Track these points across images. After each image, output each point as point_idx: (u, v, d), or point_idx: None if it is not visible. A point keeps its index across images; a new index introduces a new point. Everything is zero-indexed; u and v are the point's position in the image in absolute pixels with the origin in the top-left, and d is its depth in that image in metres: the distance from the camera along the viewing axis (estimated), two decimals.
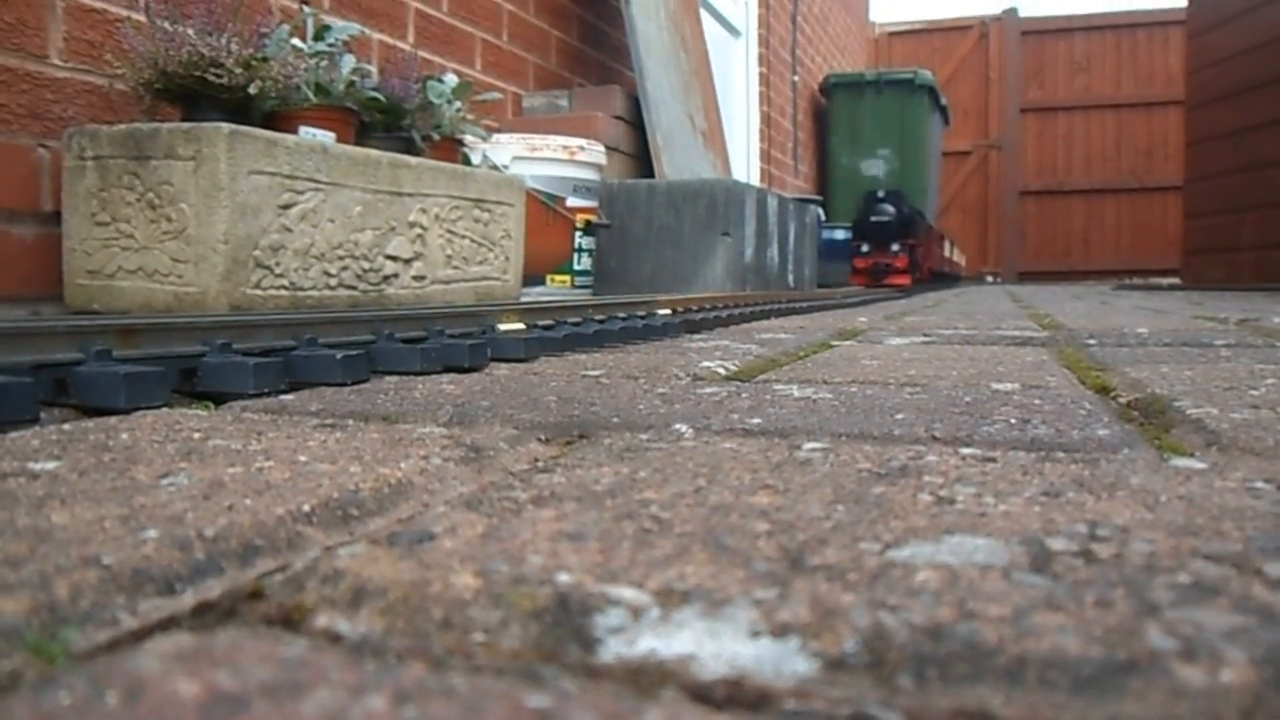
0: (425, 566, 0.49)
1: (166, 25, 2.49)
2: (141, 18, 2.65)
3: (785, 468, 0.75)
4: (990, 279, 15.15)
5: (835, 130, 10.72)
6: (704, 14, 6.81)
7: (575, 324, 2.05)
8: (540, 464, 0.78)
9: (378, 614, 0.45)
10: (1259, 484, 0.68)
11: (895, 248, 7.94)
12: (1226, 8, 8.59)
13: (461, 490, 0.69)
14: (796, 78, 9.85)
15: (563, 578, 0.47)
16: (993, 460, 0.77)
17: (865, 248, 8.03)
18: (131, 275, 2.40)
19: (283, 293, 2.45)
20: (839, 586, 0.46)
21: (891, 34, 16.33)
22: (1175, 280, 9.94)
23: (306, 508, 0.60)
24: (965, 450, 0.82)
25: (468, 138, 3.45)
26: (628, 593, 0.45)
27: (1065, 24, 15.63)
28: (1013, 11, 15.79)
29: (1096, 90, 15.42)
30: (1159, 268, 13.54)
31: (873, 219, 8.10)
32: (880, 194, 8.36)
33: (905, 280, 7.83)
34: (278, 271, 2.43)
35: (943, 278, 11.04)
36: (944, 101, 12.18)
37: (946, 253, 11.45)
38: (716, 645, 0.40)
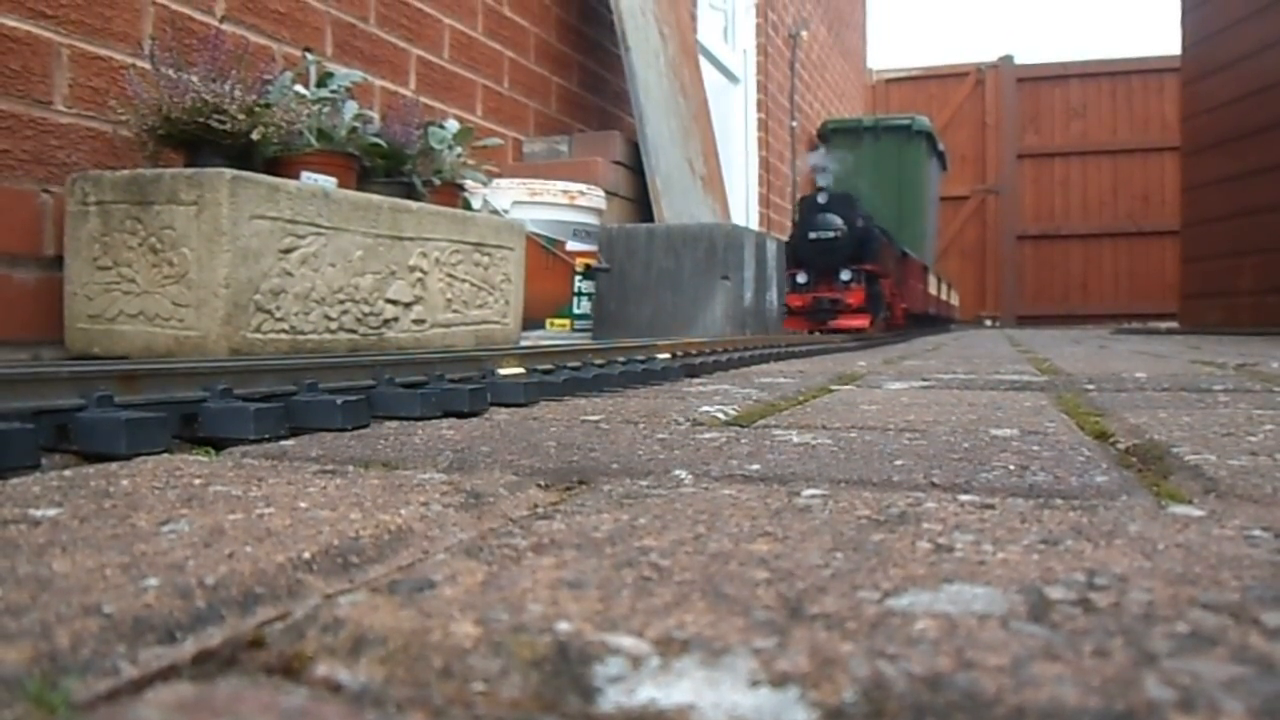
0: (425, 615, 0.49)
1: (171, 72, 2.52)
2: (146, 65, 2.68)
3: (784, 514, 0.75)
4: (989, 322, 15.19)
5: (833, 176, 10.83)
6: (703, 61, 6.88)
7: (575, 368, 2.06)
8: (540, 510, 0.78)
9: (378, 663, 0.45)
10: (1256, 532, 0.68)
11: (846, 277, 5.76)
12: (1220, 56, 8.68)
13: (461, 537, 0.69)
14: (795, 123, 9.93)
15: (562, 626, 0.47)
16: (991, 507, 0.77)
17: (802, 277, 5.82)
18: (132, 319, 2.41)
19: (283, 337, 2.46)
20: (838, 635, 0.46)
21: (889, 81, 16.48)
22: (1173, 324, 9.96)
23: (307, 555, 0.60)
24: (964, 497, 0.83)
25: (468, 182, 3.48)
26: (627, 641, 0.46)
27: (1061, 71, 15.78)
28: (1009, 59, 15.95)
29: (1093, 136, 15.54)
30: (1157, 312, 13.57)
31: (812, 235, 5.82)
32: (823, 199, 5.93)
33: (862, 323, 5.74)
34: (278, 315, 2.44)
35: (930, 321, 9.73)
36: (941, 147, 12.27)
37: (934, 290, 10.04)
38: (716, 695, 0.40)
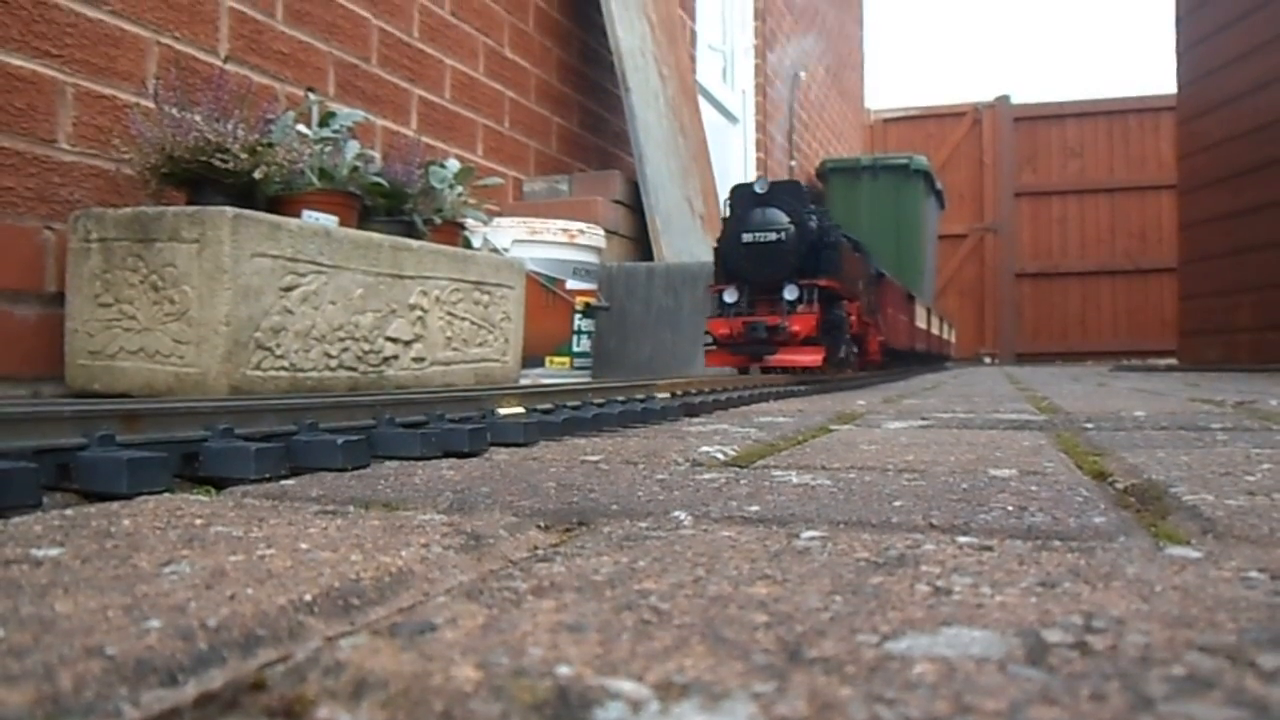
0: (426, 658, 0.50)
1: (174, 111, 2.54)
2: (150, 104, 2.70)
3: (783, 557, 0.75)
4: (988, 360, 15.21)
5: (832, 214, 10.87)
6: (702, 101, 6.94)
7: (574, 408, 2.06)
8: (540, 552, 0.79)
9: (379, 706, 0.45)
10: (1253, 573, 0.68)
11: (791, 295, 4.20)
12: (1216, 95, 8.75)
13: (462, 579, 0.70)
14: (794, 163, 9.99)
15: (563, 670, 0.48)
16: (989, 549, 0.78)
17: (731, 296, 4.28)
18: (133, 356, 2.41)
19: (283, 374, 2.46)
20: (837, 679, 0.46)
21: (887, 120, 16.60)
22: (1172, 361, 9.98)
23: (308, 597, 0.61)
24: (962, 539, 0.83)
25: (469, 221, 3.50)
26: (627, 685, 0.46)
27: (1057, 110, 15.89)
28: (1005, 98, 16.07)
29: (1090, 175, 15.63)
30: (1156, 349, 13.60)
31: (746, 237, 4.30)
32: (761, 187, 4.39)
33: (812, 359, 4.20)
34: (278, 353, 2.45)
35: (920, 359, 8.86)
36: (939, 186, 12.33)
37: (923, 323, 9.04)
38: None
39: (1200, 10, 9.02)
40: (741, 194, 4.49)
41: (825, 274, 4.35)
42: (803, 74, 10.48)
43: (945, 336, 11.60)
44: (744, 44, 8.95)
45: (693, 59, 7.10)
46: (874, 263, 6.49)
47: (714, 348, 4.32)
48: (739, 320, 4.24)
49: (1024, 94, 16.24)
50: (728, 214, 4.45)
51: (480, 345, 3.27)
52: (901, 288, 8.05)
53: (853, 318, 5.00)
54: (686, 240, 5.45)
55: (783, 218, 4.33)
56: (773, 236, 4.30)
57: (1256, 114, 8.08)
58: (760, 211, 4.36)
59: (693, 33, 7.23)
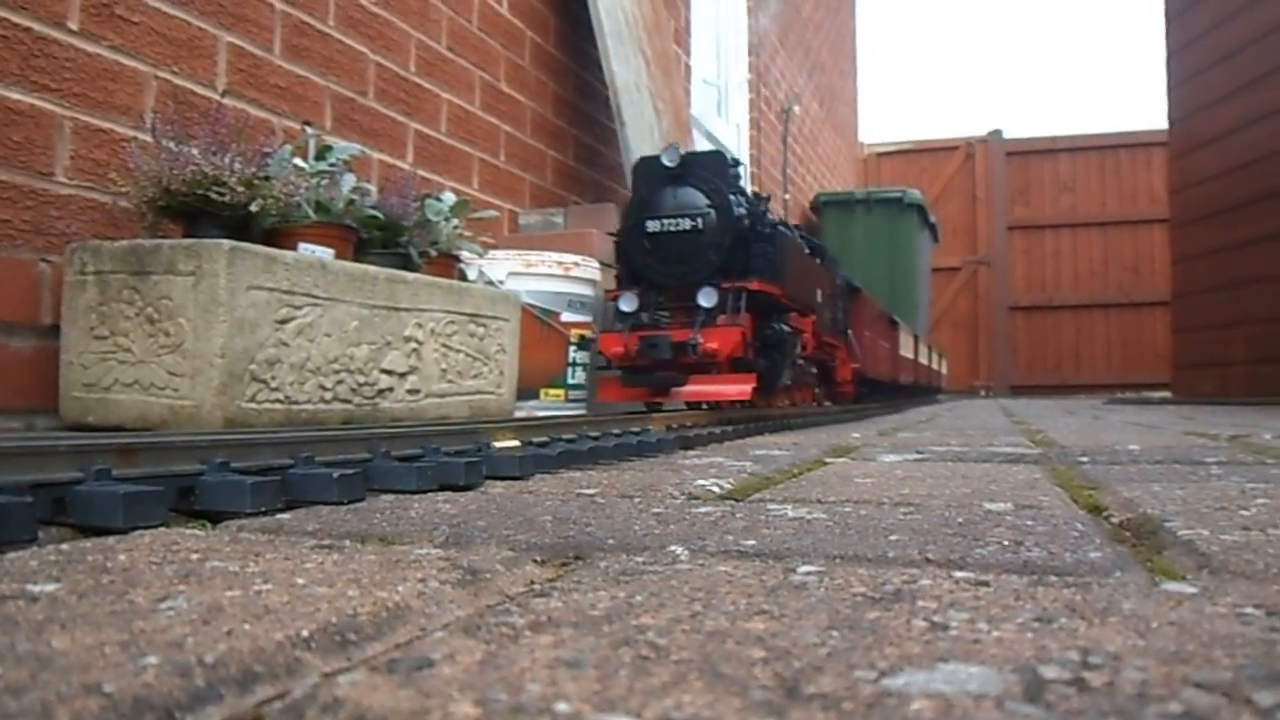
0: (424, 695, 0.50)
1: (172, 145, 2.55)
2: (148, 137, 2.71)
3: (780, 592, 0.75)
4: (982, 392, 15.22)
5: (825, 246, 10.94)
6: (696, 134, 6.98)
7: (570, 440, 2.06)
8: (537, 587, 0.79)
9: None
10: (1249, 609, 0.69)
11: (708, 302, 3.31)
12: (1206, 130, 8.82)
13: (459, 614, 0.70)
14: (788, 196, 10.03)
15: (561, 707, 0.48)
16: (986, 584, 0.78)
17: (629, 303, 3.46)
18: (127, 388, 2.41)
19: (278, 407, 2.46)
20: (834, 716, 0.47)
21: (880, 154, 16.71)
22: (1166, 394, 10.00)
23: (305, 633, 0.60)
24: (959, 573, 0.83)
25: (464, 254, 3.50)
26: None
27: (1049, 145, 16.01)
28: (997, 133, 16.19)
29: (1082, 209, 15.72)
30: (1150, 382, 13.63)
31: (652, 226, 3.46)
32: (671, 159, 3.48)
33: (738, 389, 3.33)
34: (273, 385, 2.45)
35: (907, 392, 8.39)
36: (933, 219, 12.41)
37: (909, 352, 8.47)
38: None
39: (1190, 47, 9.11)
40: (648, 170, 3.51)
41: (759, 274, 3.41)
42: (796, 108, 10.55)
43: (935, 368, 11.46)
44: (738, 78, 9.02)
45: (687, 93, 7.15)
46: (841, 272, 5.46)
47: (605, 373, 3.48)
48: (634, 337, 3.29)
49: (1016, 129, 16.41)
50: (633, 194, 3.58)
51: (475, 378, 3.27)
52: (883, 309, 7.31)
53: (805, 335, 4.04)
54: None
55: (699, 199, 3.39)
56: (686, 224, 3.35)
57: (1247, 149, 8.15)
58: (671, 192, 3.42)
59: (687, 67, 7.28)
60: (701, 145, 7.04)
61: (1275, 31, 7.83)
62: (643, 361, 3.32)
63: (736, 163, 3.63)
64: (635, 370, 3.39)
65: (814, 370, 4.66)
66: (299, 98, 3.48)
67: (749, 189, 3.96)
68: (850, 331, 5.66)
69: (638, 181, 3.58)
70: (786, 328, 3.69)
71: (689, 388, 3.34)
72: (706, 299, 3.29)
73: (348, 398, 2.70)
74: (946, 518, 1.16)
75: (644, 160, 3.61)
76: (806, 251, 4.50)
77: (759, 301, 3.47)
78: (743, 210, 3.52)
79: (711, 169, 3.51)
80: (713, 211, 3.40)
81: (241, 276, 2.37)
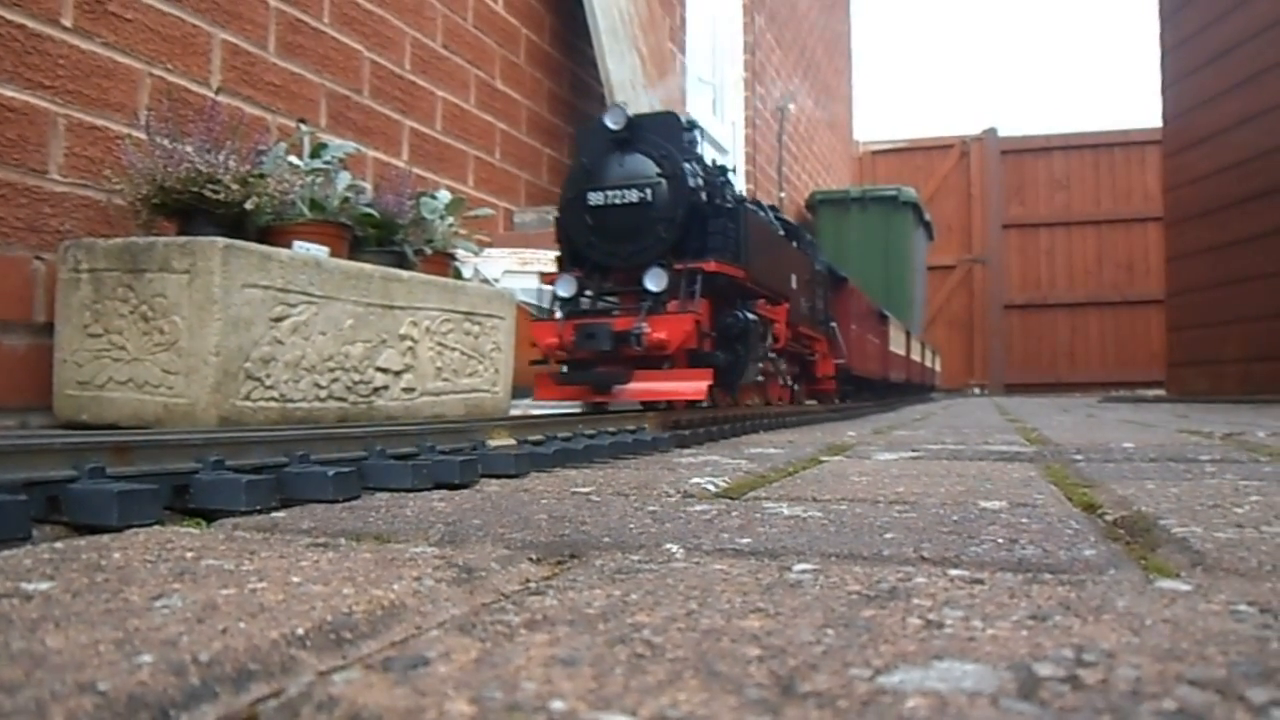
0: (420, 693, 0.50)
1: (166, 142, 2.55)
2: (142, 135, 2.71)
3: (776, 590, 0.75)
4: (977, 391, 15.24)
5: (821, 245, 10.97)
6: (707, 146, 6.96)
7: (565, 439, 2.06)
8: (532, 585, 0.79)
9: None
10: (1242, 606, 0.69)
11: (656, 285, 2.96)
12: (1200, 129, 8.84)
13: (454, 612, 0.70)
14: (783, 194, 10.04)
15: (557, 705, 0.48)
16: (980, 582, 0.78)
17: (567, 287, 3.16)
18: (121, 386, 2.41)
19: (272, 405, 2.46)
20: (830, 714, 0.47)
21: (875, 153, 16.73)
22: (1161, 392, 10.02)
23: (300, 631, 0.60)
24: (953, 571, 0.83)
25: (459, 252, 3.50)
26: None
27: (1044, 143, 16.03)
28: (992, 131, 16.21)
29: (1077, 207, 15.75)
30: (1144, 380, 13.66)
31: (594, 199, 3.10)
32: (616, 121, 3.10)
33: (693, 387, 2.94)
34: (268, 384, 2.45)
35: (897, 389, 8.09)
36: (927, 217, 12.42)
37: (900, 349, 8.23)
38: None
39: (1184, 45, 9.12)
40: (591, 135, 3.14)
41: (718, 255, 3.00)
42: (791, 106, 10.55)
43: (929, 365, 11.37)
44: (733, 77, 9.02)
45: (682, 91, 7.15)
46: (823, 259, 5.11)
47: (540, 368, 3.08)
48: (574, 322, 2.93)
49: (1010, 127, 16.42)
50: (575, 165, 3.16)
51: (471, 376, 3.26)
52: (871, 302, 6.93)
53: (777, 325, 3.68)
54: None
55: (648, 167, 2.99)
56: (633, 196, 2.96)
57: (1241, 148, 8.17)
58: (617, 160, 3.03)
59: (682, 65, 7.28)
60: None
61: (1268, 30, 7.84)
62: (581, 354, 2.92)
63: (692, 125, 3.19)
64: (574, 364, 3.01)
65: (787, 365, 4.23)
66: (294, 95, 3.48)
67: (716, 159, 3.45)
68: (834, 324, 5.30)
69: (582, 147, 3.16)
70: (752, 316, 3.24)
71: (634, 385, 2.89)
72: (654, 282, 2.89)
73: (343, 396, 2.70)
74: (941, 516, 1.17)
75: (587, 124, 3.32)
76: (780, 233, 4.08)
77: (718, 286, 3.05)
78: (698, 179, 3.09)
79: (663, 132, 3.06)
80: (664, 182, 2.98)
81: (236, 274, 2.37)
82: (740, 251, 3.13)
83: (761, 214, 3.75)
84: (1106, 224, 15.52)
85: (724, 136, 8.66)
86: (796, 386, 4.59)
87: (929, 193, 15.37)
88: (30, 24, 2.54)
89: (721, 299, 3.13)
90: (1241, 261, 8.16)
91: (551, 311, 3.08)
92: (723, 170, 3.34)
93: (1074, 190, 15.81)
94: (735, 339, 3.16)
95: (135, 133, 2.78)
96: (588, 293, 3.12)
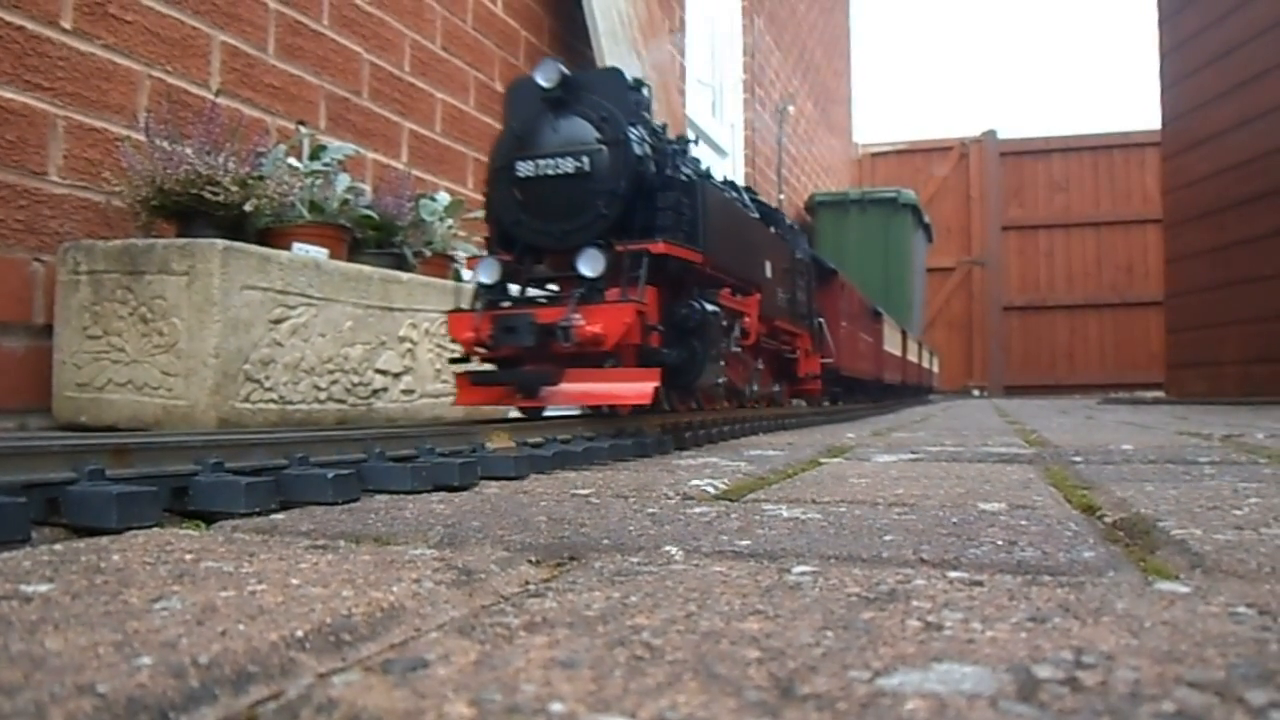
0: (419, 695, 0.50)
1: (165, 144, 2.55)
2: (141, 137, 2.71)
3: (775, 592, 0.75)
4: (976, 392, 15.24)
5: (820, 247, 10.93)
6: (692, 135, 6.97)
7: (565, 441, 2.06)
8: (531, 587, 0.79)
9: None
10: (1241, 609, 0.69)
11: (592, 270, 2.49)
12: (1199, 131, 8.84)
13: (453, 614, 0.70)
14: (782, 196, 10.04)
15: (556, 707, 0.48)
16: (980, 584, 0.78)
17: (490, 273, 2.66)
18: (121, 388, 2.41)
19: (271, 406, 2.46)
20: (829, 716, 0.47)
21: (875, 155, 16.74)
22: (1160, 394, 10.02)
23: (299, 633, 0.60)
24: (953, 573, 0.83)
25: (459, 253, 3.50)
26: None
27: (1043, 145, 16.04)
28: (991, 133, 16.21)
29: (1076, 209, 15.76)
30: (1144, 381, 13.66)
31: (523, 169, 2.63)
32: (549, 77, 2.62)
33: (636, 391, 2.42)
34: (267, 385, 2.45)
35: (893, 391, 7.79)
36: (927, 219, 12.43)
37: (894, 348, 7.87)
38: None
39: (1183, 48, 9.13)
40: (521, 95, 2.70)
41: (669, 235, 2.60)
42: (791, 108, 10.56)
43: (927, 366, 11.27)
44: (733, 79, 9.02)
45: (682, 93, 7.15)
46: (806, 246, 4.67)
47: (458, 368, 2.65)
48: (488, 316, 2.50)
49: (1010, 129, 16.45)
50: (507, 127, 2.72)
51: None
52: (864, 298, 6.55)
53: (747, 319, 3.25)
54: None
55: (587, 132, 2.58)
56: (568, 166, 2.56)
57: (1240, 149, 8.17)
58: (550, 124, 2.61)
59: (682, 67, 7.28)
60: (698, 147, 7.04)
61: (1267, 32, 7.85)
62: (505, 352, 2.51)
63: (640, 84, 2.78)
64: (503, 363, 2.59)
65: (765, 364, 3.85)
66: (293, 97, 3.48)
67: (668, 128, 2.99)
68: (821, 320, 4.91)
69: (509, 111, 2.73)
70: (711, 307, 2.79)
71: (566, 387, 2.45)
72: (589, 265, 2.46)
73: (342, 398, 2.70)
74: (941, 518, 1.17)
75: (518, 82, 2.75)
76: (754, 215, 3.66)
77: (670, 271, 2.63)
78: (645, 146, 2.66)
79: (606, 91, 2.64)
80: (604, 149, 2.55)
81: (235, 276, 2.37)
82: (698, 232, 2.73)
83: (726, 190, 3.35)
84: (1106, 226, 15.53)
85: (723, 138, 8.66)
86: (778, 387, 4.26)
87: (928, 195, 15.38)
88: (30, 25, 2.55)
89: (674, 287, 2.72)
90: (1241, 263, 8.17)
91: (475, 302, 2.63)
92: (682, 141, 2.99)
93: (1073, 192, 15.82)
94: (691, 333, 2.71)
95: (135, 135, 2.78)
96: (519, 279, 2.70)
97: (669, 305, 2.69)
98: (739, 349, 3.25)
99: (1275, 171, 7.76)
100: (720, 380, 2.99)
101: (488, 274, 2.62)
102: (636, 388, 2.40)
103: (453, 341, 2.59)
